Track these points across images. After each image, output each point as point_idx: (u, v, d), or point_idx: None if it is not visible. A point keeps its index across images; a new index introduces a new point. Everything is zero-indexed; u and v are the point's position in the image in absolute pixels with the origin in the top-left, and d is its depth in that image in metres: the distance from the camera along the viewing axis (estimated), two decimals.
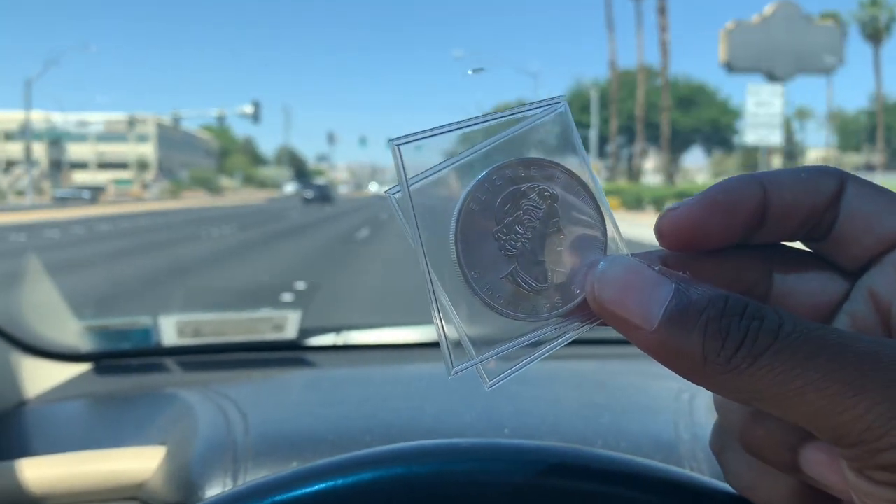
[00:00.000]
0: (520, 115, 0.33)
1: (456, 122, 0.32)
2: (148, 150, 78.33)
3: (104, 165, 78.32)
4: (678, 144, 52.03)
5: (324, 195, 38.53)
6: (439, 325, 0.31)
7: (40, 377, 1.21)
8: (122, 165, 78.16)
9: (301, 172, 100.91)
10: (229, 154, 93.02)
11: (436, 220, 0.31)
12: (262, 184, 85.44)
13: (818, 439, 0.30)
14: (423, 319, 1.38)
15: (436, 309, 0.31)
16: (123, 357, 1.31)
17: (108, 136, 77.73)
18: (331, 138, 52.93)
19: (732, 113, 52.99)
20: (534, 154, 0.33)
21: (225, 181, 78.90)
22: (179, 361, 1.30)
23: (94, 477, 0.87)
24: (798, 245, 0.35)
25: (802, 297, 0.34)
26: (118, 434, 0.99)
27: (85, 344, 1.28)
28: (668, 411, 0.88)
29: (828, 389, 0.26)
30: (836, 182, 0.32)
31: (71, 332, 1.31)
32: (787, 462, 0.32)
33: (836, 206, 0.32)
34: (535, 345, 0.32)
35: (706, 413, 0.88)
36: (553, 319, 0.33)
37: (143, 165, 76.29)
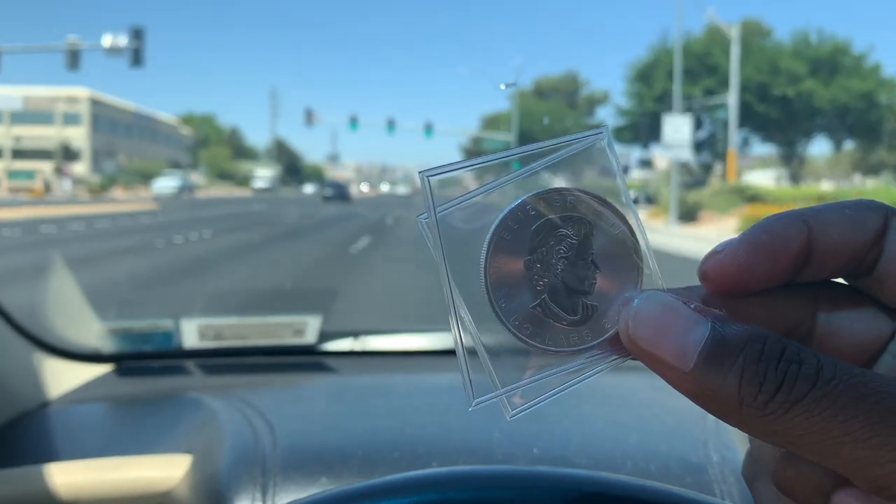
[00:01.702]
0: (559, 144, 0.32)
1: (490, 155, 0.31)
2: (79, 134, 56.22)
3: (23, 153, 56.45)
4: (799, 128, 36.62)
5: (341, 194, 40.36)
6: (462, 355, 0.30)
7: (63, 378, 1.21)
8: (45, 154, 54.59)
9: (293, 169, 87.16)
10: (207, 145, 76.29)
11: (466, 247, 0.31)
12: (244, 180, 69.47)
13: (851, 485, 0.30)
14: (444, 325, 1.38)
15: (458, 338, 0.30)
16: (145, 359, 1.31)
17: (27, 117, 55.93)
18: (308, 117, 39.46)
19: (889, 84, 35.00)
20: (570, 183, 0.32)
21: (194, 176, 60.05)
22: (200, 364, 1.31)
23: (120, 483, 0.87)
24: (842, 281, 0.34)
25: (847, 338, 0.33)
26: (141, 439, 0.99)
27: (107, 345, 1.29)
28: (695, 431, 0.88)
29: (869, 441, 0.26)
30: (881, 218, 0.32)
31: (93, 333, 1.32)
32: None
33: (880, 243, 0.32)
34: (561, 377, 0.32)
35: (734, 433, 0.87)
36: (581, 353, 0.32)
37: (70, 155, 53.82)
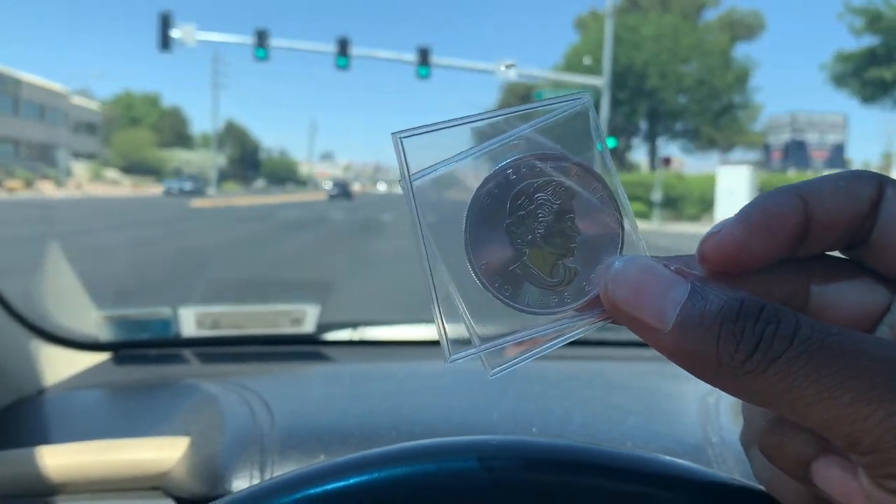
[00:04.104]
0: (539, 108, 0.33)
1: (468, 116, 0.32)
2: None
3: None
4: None
5: (344, 192, 41.15)
6: (437, 313, 0.31)
7: (60, 365, 1.21)
8: None
9: (250, 160, 68.61)
10: (132, 127, 58.63)
11: (446, 212, 0.32)
12: (171, 174, 54.97)
13: (831, 455, 0.30)
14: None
15: (435, 298, 0.31)
16: (142, 347, 1.31)
17: None
18: (164, 30, 18.30)
19: None
20: (552, 149, 0.32)
21: (83, 169, 45.21)
22: (198, 353, 1.30)
23: (116, 465, 0.87)
24: (837, 254, 0.34)
25: (841, 310, 0.33)
26: (138, 423, 0.99)
27: (104, 333, 1.28)
28: (694, 414, 0.87)
29: (842, 398, 0.26)
30: (875, 187, 0.32)
31: (91, 321, 1.31)
32: (800, 474, 0.32)
33: (874, 212, 0.32)
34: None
35: (733, 416, 0.87)
36: (561, 315, 0.32)
37: None
